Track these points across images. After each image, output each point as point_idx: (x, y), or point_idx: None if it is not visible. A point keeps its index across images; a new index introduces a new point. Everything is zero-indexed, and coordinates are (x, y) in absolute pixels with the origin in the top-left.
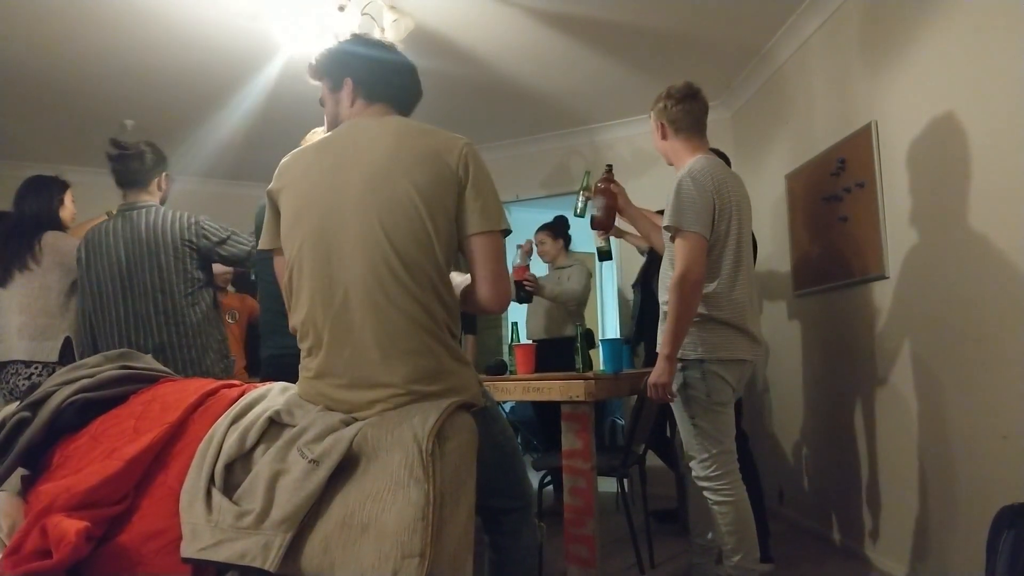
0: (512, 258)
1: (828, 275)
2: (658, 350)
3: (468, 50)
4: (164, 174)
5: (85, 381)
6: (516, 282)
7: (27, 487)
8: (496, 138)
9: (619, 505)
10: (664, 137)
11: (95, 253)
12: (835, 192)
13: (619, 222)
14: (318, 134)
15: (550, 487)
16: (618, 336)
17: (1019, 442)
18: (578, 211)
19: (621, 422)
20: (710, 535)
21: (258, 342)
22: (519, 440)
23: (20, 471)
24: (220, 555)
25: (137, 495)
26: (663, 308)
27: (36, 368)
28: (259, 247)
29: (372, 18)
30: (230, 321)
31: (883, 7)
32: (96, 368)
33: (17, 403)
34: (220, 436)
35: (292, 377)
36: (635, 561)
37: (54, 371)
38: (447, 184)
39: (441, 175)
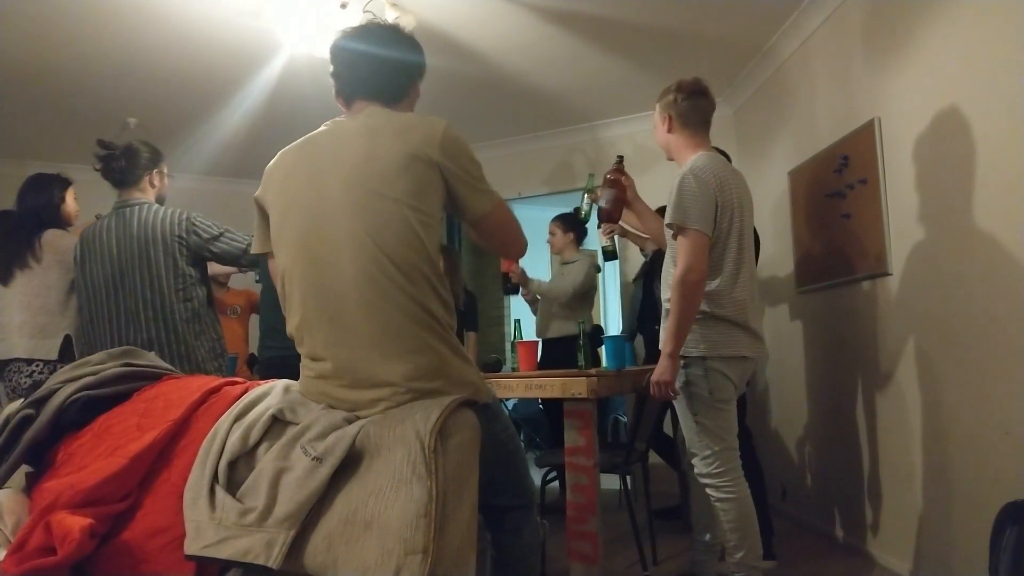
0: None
1: (831, 272)
2: (660, 348)
3: (470, 47)
4: (156, 171)
5: (88, 379)
6: (502, 274)
7: (31, 484)
8: (498, 135)
9: (622, 502)
10: (670, 131)
11: (89, 250)
12: (838, 189)
13: (624, 221)
14: None
15: (553, 484)
16: (620, 333)
17: (1023, 438)
18: (583, 214)
19: (624, 419)
20: (708, 536)
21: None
22: (521, 438)
23: (24, 468)
24: (224, 552)
25: (141, 492)
26: (665, 306)
27: (38, 366)
28: (251, 251)
29: (374, 15)
30: (232, 316)
31: (885, 3)
32: (99, 366)
33: (21, 400)
34: (223, 434)
35: (291, 377)
36: (638, 558)
37: (55, 369)
38: (429, 179)
39: (421, 174)
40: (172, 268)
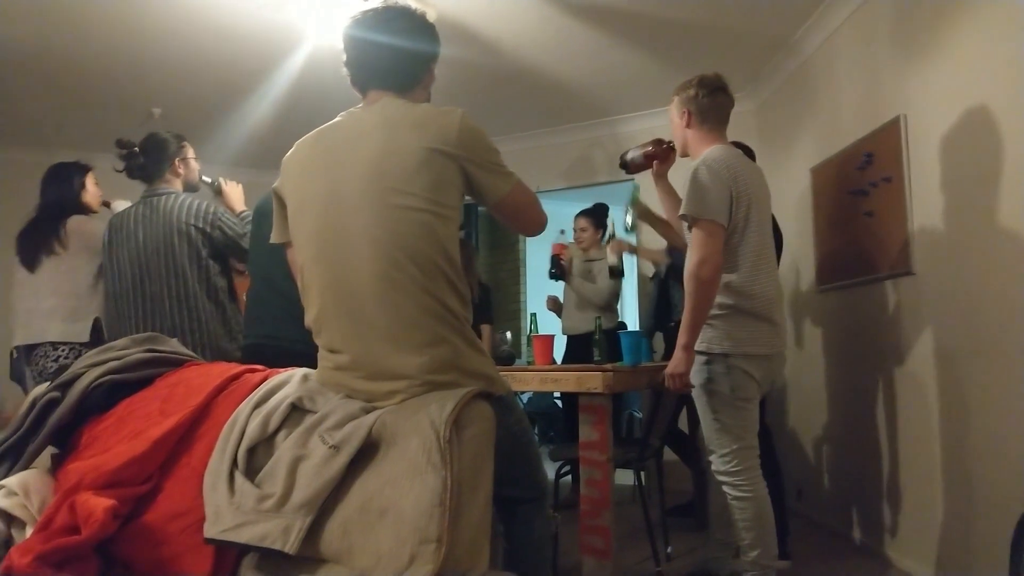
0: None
1: (852, 270)
2: (678, 341)
3: (490, 40)
4: (179, 159)
5: (113, 363)
6: (552, 256)
7: (56, 465)
8: (518, 129)
9: (635, 498)
10: (688, 125)
11: (116, 238)
12: (861, 186)
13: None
14: None
15: (566, 478)
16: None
17: None
18: (628, 226)
19: (639, 415)
20: (723, 534)
21: None
22: (535, 431)
23: (50, 449)
24: (241, 537)
25: (162, 476)
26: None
27: (63, 350)
28: (271, 241)
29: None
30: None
31: None
32: (124, 351)
33: (47, 383)
34: (243, 420)
35: (264, 364)
36: (650, 554)
37: (80, 353)
38: (447, 172)
39: (439, 167)
40: (195, 258)
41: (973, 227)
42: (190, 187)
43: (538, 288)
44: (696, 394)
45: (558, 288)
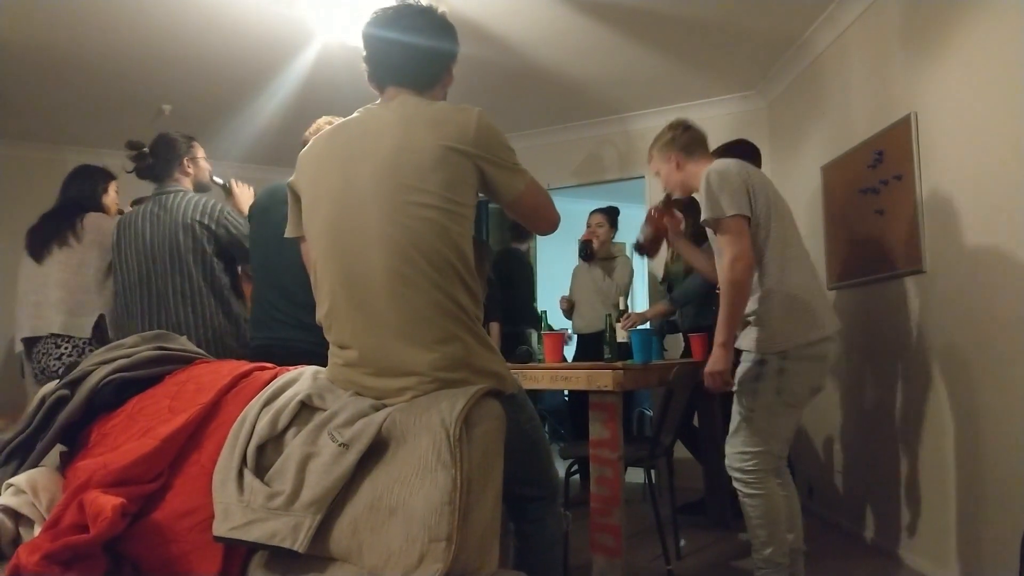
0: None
1: (863, 269)
2: (716, 340)
3: (501, 37)
4: (187, 158)
5: (122, 361)
6: (582, 242)
7: (65, 463)
8: (528, 126)
9: (646, 496)
10: (679, 167)
11: (125, 235)
12: (872, 184)
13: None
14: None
15: (577, 476)
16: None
17: None
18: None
19: (649, 413)
20: (742, 534)
21: None
22: (546, 429)
23: (59, 447)
24: (251, 535)
25: (171, 474)
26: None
27: (66, 348)
28: (286, 235)
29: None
30: None
31: None
32: (133, 348)
33: (57, 381)
34: (252, 418)
35: (274, 362)
36: (661, 552)
37: (84, 350)
38: (463, 171)
39: (454, 165)
40: (200, 255)
41: (984, 225)
42: (200, 187)
43: (548, 286)
44: (738, 391)
45: (566, 289)
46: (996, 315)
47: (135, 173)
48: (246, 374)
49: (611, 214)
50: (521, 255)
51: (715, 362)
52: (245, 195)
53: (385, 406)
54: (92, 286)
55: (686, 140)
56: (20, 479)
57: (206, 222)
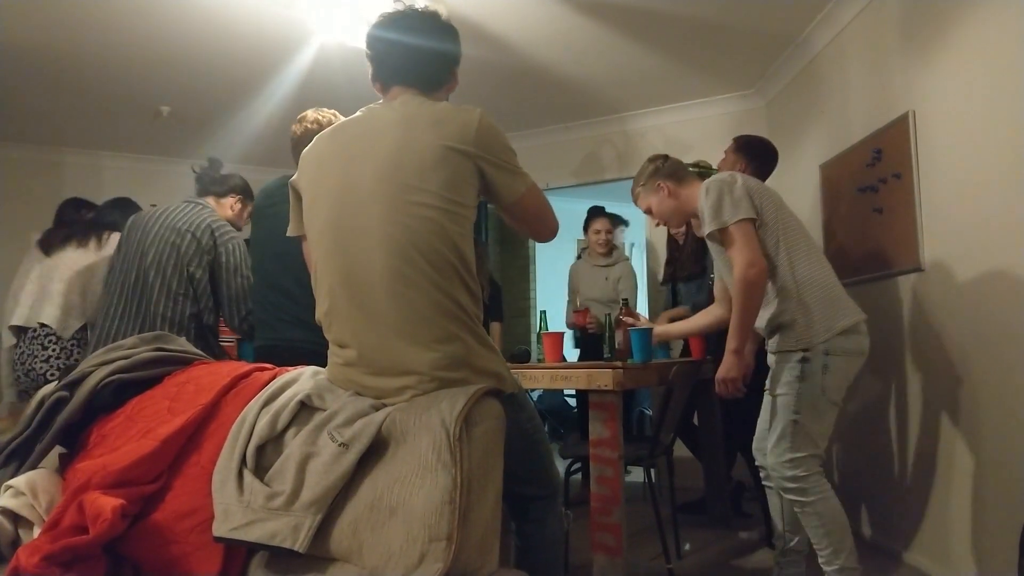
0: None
1: (862, 267)
2: (728, 346)
3: (500, 37)
4: (240, 198)
5: (121, 362)
6: (580, 327)
7: (65, 465)
8: (527, 126)
9: (646, 495)
10: (671, 194)
11: (131, 231)
12: (871, 183)
13: None
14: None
15: (577, 475)
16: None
17: None
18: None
19: (649, 412)
20: (796, 540)
21: None
22: (546, 428)
23: (58, 449)
24: (251, 535)
25: (171, 475)
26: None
27: (54, 351)
28: (287, 233)
29: (405, 4)
30: None
31: None
32: (132, 350)
33: (56, 382)
34: (252, 418)
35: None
36: (661, 551)
37: (72, 353)
38: (463, 170)
39: (454, 165)
40: (184, 265)
41: (982, 223)
42: (233, 225)
43: (547, 285)
44: (778, 394)
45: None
46: (994, 313)
47: (196, 176)
48: (245, 375)
49: (614, 217)
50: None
51: (727, 368)
52: None
53: (385, 406)
54: (90, 295)
55: (671, 167)
56: (19, 481)
57: (193, 230)
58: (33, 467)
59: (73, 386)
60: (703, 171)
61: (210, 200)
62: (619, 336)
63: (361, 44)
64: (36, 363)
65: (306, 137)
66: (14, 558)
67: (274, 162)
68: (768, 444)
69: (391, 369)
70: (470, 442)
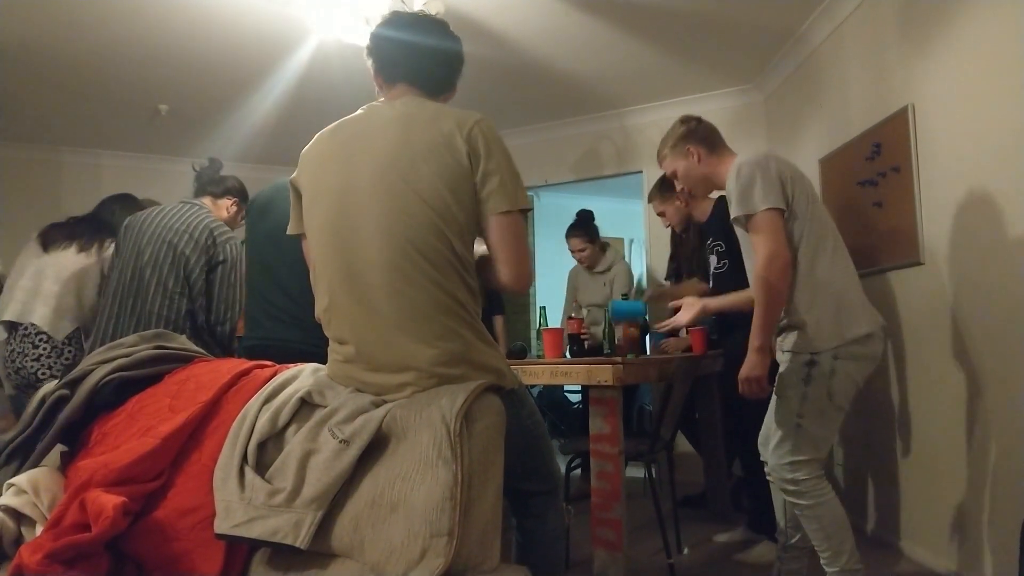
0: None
1: (862, 261)
2: (751, 344)
3: (498, 33)
4: (236, 201)
5: (122, 360)
6: (572, 335)
7: (66, 463)
8: (525, 122)
9: (646, 490)
10: (700, 160)
11: (127, 232)
12: (870, 177)
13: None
14: None
15: (578, 471)
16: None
17: None
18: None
19: (649, 408)
20: (797, 538)
21: None
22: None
23: (59, 447)
24: (253, 532)
25: (172, 472)
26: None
27: (45, 349)
28: (287, 232)
29: (403, 2)
30: None
31: None
32: (132, 348)
33: (57, 381)
34: (253, 415)
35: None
36: (662, 546)
37: (63, 352)
38: (457, 171)
39: (450, 163)
40: (173, 267)
41: (982, 216)
42: (228, 226)
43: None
44: (784, 396)
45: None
46: (994, 306)
47: (196, 174)
48: (246, 372)
49: (587, 229)
50: None
51: (752, 367)
52: None
53: (385, 402)
54: (84, 299)
55: (705, 132)
56: (21, 479)
57: (191, 231)
58: (35, 465)
59: (74, 384)
60: None
61: (206, 200)
62: (619, 333)
63: (359, 42)
64: (27, 361)
65: None
66: (17, 556)
67: (272, 160)
68: (770, 444)
69: (391, 365)
70: (470, 438)
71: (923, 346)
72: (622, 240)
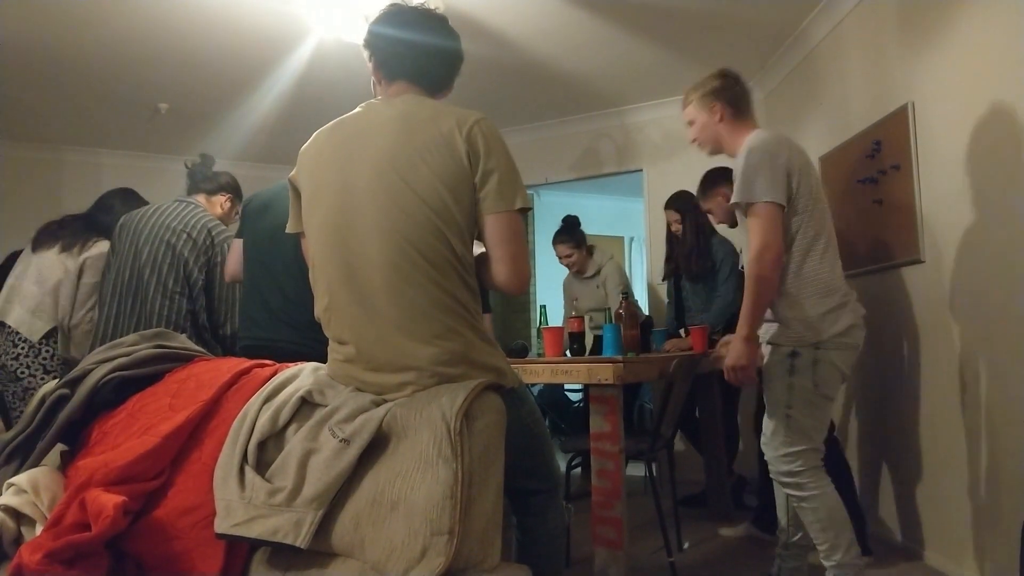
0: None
1: (862, 259)
2: (737, 332)
3: (497, 31)
4: (230, 197)
5: (122, 360)
6: (573, 333)
7: (66, 462)
8: (525, 120)
9: (647, 489)
10: (722, 119)
11: (122, 232)
12: (870, 175)
13: None
14: None
15: (578, 469)
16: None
17: None
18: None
19: (650, 406)
20: (799, 536)
21: None
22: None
23: (60, 446)
24: (253, 531)
25: (173, 471)
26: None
27: (23, 348)
28: (287, 231)
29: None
30: None
31: None
32: (132, 347)
33: (57, 380)
34: (253, 414)
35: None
36: (663, 545)
37: (40, 352)
38: (457, 171)
39: (449, 163)
40: (173, 265)
41: (982, 214)
42: (223, 223)
43: (548, 280)
44: (771, 387)
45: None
46: (995, 304)
47: (188, 171)
48: (246, 371)
49: (573, 235)
50: None
51: (738, 356)
52: None
53: (385, 401)
54: (62, 299)
55: (737, 93)
56: (21, 478)
57: (189, 231)
58: (35, 465)
59: (74, 384)
60: None
61: (200, 198)
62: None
63: (359, 40)
64: (8, 359)
65: None
66: (17, 555)
67: (271, 159)
68: (764, 438)
69: (391, 365)
70: (471, 436)
71: (924, 345)
72: (622, 239)
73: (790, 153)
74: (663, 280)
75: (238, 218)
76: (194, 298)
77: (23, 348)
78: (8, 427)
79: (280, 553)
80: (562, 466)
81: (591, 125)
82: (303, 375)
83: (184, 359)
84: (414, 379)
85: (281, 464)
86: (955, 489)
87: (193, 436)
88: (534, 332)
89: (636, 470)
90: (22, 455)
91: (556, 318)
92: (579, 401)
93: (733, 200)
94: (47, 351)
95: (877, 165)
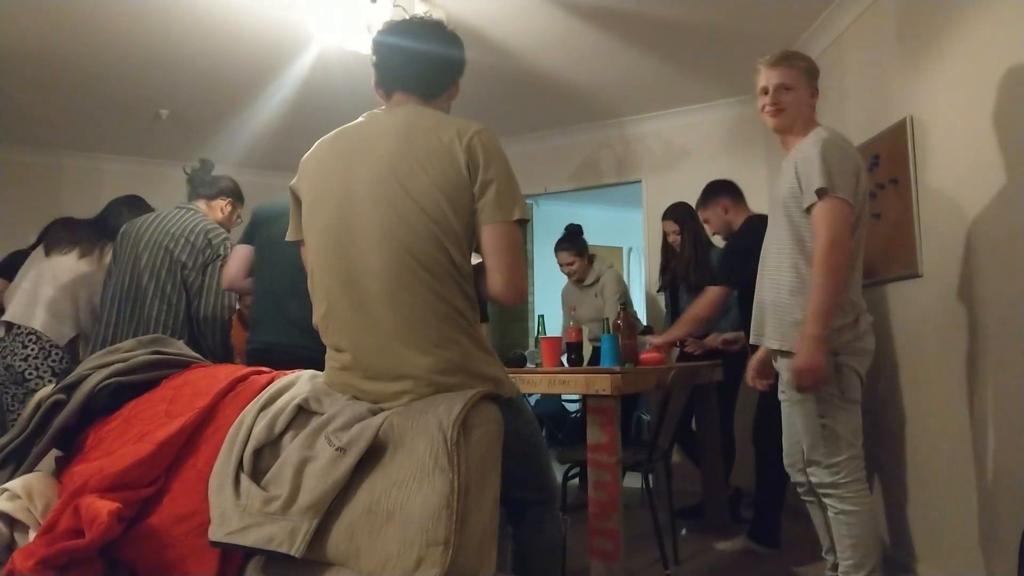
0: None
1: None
2: (808, 332)
3: (498, 41)
4: (229, 200)
5: (118, 365)
6: (571, 344)
7: (61, 468)
8: (526, 130)
9: (644, 500)
10: (812, 96)
11: (124, 239)
12: (869, 188)
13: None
14: None
15: (575, 480)
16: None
17: None
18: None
19: (647, 417)
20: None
21: None
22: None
23: (54, 452)
24: (247, 539)
25: (168, 478)
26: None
27: (33, 350)
28: (286, 238)
29: (404, 10)
30: None
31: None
32: (129, 353)
33: (52, 386)
34: (249, 422)
35: (275, 366)
36: (659, 557)
37: (50, 354)
38: (456, 181)
39: (449, 173)
40: (171, 271)
41: (981, 229)
42: (223, 227)
43: (546, 289)
44: (794, 400)
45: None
46: (993, 319)
47: (188, 177)
48: (243, 378)
49: (576, 243)
50: None
51: (811, 358)
52: None
53: (382, 410)
54: (82, 304)
55: (815, 75)
56: (15, 484)
57: (187, 235)
58: (29, 470)
59: (70, 389)
60: None
61: (200, 204)
62: (620, 340)
63: (360, 49)
64: (16, 360)
65: None
66: (10, 562)
67: (273, 166)
68: (804, 455)
69: (388, 373)
70: (467, 446)
71: (921, 358)
72: (621, 249)
73: (858, 160)
74: (659, 291)
75: (239, 222)
76: (191, 301)
77: (33, 350)
78: (4, 431)
79: (275, 562)
80: (559, 477)
81: (591, 136)
82: (300, 383)
83: (181, 365)
84: (411, 388)
85: (277, 472)
86: (950, 503)
87: (189, 443)
88: (532, 342)
89: (633, 481)
90: (16, 460)
91: (554, 328)
92: (576, 411)
93: (816, 186)
94: (56, 354)
95: (875, 179)
